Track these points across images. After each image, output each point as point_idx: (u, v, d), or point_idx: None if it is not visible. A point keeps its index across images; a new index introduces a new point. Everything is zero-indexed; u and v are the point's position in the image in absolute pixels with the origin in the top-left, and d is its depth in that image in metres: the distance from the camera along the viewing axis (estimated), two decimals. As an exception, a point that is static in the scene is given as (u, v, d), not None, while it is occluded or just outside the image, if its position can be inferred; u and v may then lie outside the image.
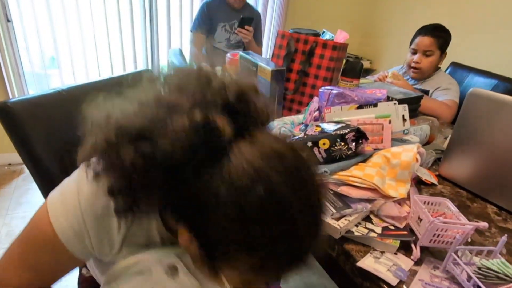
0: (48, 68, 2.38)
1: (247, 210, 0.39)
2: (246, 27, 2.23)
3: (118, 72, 2.56)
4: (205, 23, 2.31)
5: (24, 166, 2.38)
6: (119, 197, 0.45)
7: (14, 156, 2.40)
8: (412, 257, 0.68)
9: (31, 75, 2.33)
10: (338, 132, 0.83)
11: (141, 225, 0.55)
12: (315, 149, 0.83)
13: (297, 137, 0.87)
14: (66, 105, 0.76)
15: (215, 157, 0.41)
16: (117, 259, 0.55)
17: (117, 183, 0.44)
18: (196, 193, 0.41)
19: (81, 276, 0.88)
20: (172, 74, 0.50)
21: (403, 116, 0.95)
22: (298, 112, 1.28)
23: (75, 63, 2.35)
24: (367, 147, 0.89)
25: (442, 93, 1.72)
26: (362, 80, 1.43)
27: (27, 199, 2.10)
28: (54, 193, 0.53)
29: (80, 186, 0.51)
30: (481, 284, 0.55)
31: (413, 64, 1.78)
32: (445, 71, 2.08)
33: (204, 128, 0.41)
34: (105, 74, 2.52)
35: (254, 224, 0.40)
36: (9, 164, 2.42)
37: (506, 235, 0.63)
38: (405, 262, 0.67)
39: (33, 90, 2.41)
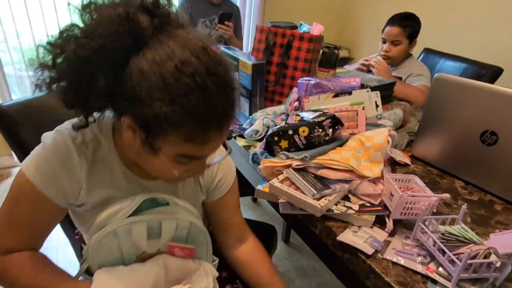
0: (29, 69, 2.37)
1: (166, 78, 0.51)
2: (226, 22, 2.27)
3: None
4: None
5: (11, 170, 2.38)
6: (76, 107, 0.57)
7: (0, 160, 2.41)
8: (386, 229, 0.75)
9: (13, 78, 2.31)
10: (316, 119, 0.89)
11: (102, 162, 0.66)
12: (296, 136, 0.89)
13: (279, 126, 0.93)
14: (57, 106, 0.79)
15: (139, 45, 0.53)
16: (89, 202, 0.66)
17: (69, 94, 0.55)
18: (127, 79, 0.52)
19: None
20: None
21: (375, 102, 1.02)
22: (279, 103, 1.33)
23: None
24: (344, 132, 0.96)
25: (415, 79, 1.80)
26: (338, 70, 1.50)
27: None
28: (26, 159, 0.63)
29: (44, 144, 0.63)
30: (444, 247, 0.63)
31: (382, 53, 1.86)
32: (418, 57, 2.17)
33: (126, 19, 0.51)
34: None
35: (175, 90, 0.51)
36: (-5, 169, 2.41)
37: (466, 204, 0.71)
38: (380, 234, 0.74)
39: (18, 93, 2.39)
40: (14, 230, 0.63)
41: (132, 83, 0.52)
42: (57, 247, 1.86)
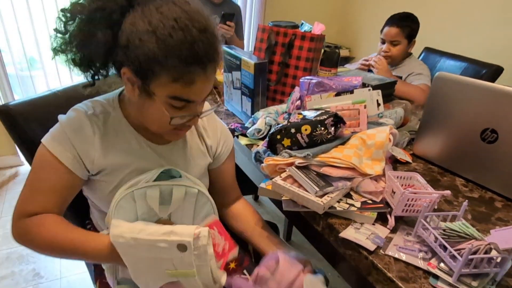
0: (31, 69, 2.38)
1: (153, 23, 0.60)
2: (227, 22, 2.27)
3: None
4: None
5: (14, 170, 2.40)
6: (82, 66, 0.68)
7: (4, 159, 2.43)
8: (388, 226, 0.76)
9: (15, 77, 2.32)
10: (318, 118, 0.90)
11: (114, 130, 0.75)
12: (298, 135, 0.90)
13: (281, 124, 0.94)
14: (62, 104, 0.80)
15: (131, 4, 0.63)
16: (106, 166, 0.74)
17: (77, 54, 0.66)
18: (122, 34, 0.62)
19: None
20: None
21: (377, 101, 1.03)
22: (281, 102, 1.34)
23: (58, 63, 2.35)
24: (346, 131, 0.97)
25: (415, 78, 1.81)
26: (340, 69, 1.51)
27: (19, 202, 2.12)
28: (46, 135, 0.73)
29: (60, 120, 0.73)
30: (445, 243, 0.64)
31: (382, 53, 1.87)
32: (419, 56, 2.18)
33: None
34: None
35: (160, 31, 0.60)
36: (-1, 168, 2.43)
37: (467, 200, 0.72)
38: (382, 231, 0.75)
39: (19, 93, 2.40)
40: (36, 195, 0.70)
41: (126, 35, 0.62)
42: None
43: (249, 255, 0.99)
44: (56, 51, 0.66)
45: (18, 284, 1.62)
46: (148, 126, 0.74)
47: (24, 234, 0.70)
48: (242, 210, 0.97)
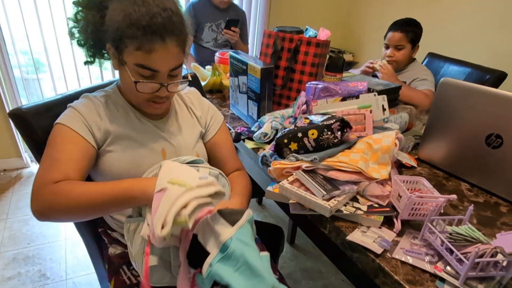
0: (38, 72, 2.40)
1: (125, 5, 0.75)
2: (232, 28, 2.30)
3: (108, 74, 2.60)
4: (192, 24, 2.37)
5: (20, 171, 2.42)
6: (84, 46, 0.87)
7: (10, 162, 2.45)
8: (394, 229, 0.77)
9: (20, 81, 2.35)
10: (325, 122, 0.91)
11: (115, 107, 0.88)
12: (305, 139, 0.91)
13: (288, 129, 0.96)
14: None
15: None
16: (112, 131, 0.85)
17: (80, 37, 0.86)
18: (107, 18, 0.79)
19: (108, 257, 0.95)
20: None
21: (382, 106, 1.04)
22: (287, 106, 1.36)
23: (65, 66, 2.38)
24: (352, 135, 0.98)
25: (420, 83, 1.82)
26: (345, 74, 1.52)
27: (26, 203, 2.14)
28: (57, 120, 0.82)
29: (69, 105, 0.85)
30: (451, 247, 0.65)
31: (386, 58, 1.89)
32: (423, 61, 2.19)
33: None
34: (94, 76, 2.55)
35: (126, 9, 0.74)
36: (5, 170, 2.44)
37: (472, 205, 0.73)
38: (389, 234, 0.76)
39: (24, 96, 2.42)
40: (57, 165, 0.74)
41: (108, 16, 0.78)
42: (65, 247, 1.88)
43: None
44: (70, 34, 0.86)
45: (24, 285, 1.63)
46: (131, 100, 0.88)
47: (52, 198, 0.69)
48: (234, 178, 1.00)
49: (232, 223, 0.71)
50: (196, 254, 0.71)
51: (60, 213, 0.69)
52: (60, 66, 2.35)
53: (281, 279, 0.93)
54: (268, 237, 1.21)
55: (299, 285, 1.75)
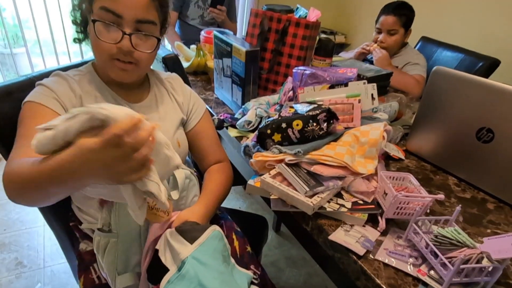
0: (13, 47, 2.27)
1: None
2: (218, 7, 2.18)
3: (89, 50, 2.47)
4: (177, 0, 2.25)
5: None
6: (75, 25, 0.84)
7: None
8: (378, 228, 0.74)
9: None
10: (311, 113, 0.86)
11: (91, 86, 0.82)
12: (289, 130, 0.86)
13: (271, 118, 0.90)
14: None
15: None
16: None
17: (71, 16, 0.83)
18: None
19: (79, 253, 0.90)
20: None
21: (372, 95, 0.99)
22: (273, 91, 1.30)
23: (42, 40, 2.25)
24: (339, 126, 0.93)
25: (411, 68, 1.78)
26: (335, 58, 1.46)
27: (1, 187, 2.05)
28: (27, 97, 0.75)
29: (38, 83, 0.78)
30: (436, 250, 0.62)
31: (378, 44, 1.82)
32: (415, 45, 2.14)
33: None
34: (74, 52, 2.42)
35: None
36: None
37: (460, 205, 0.70)
38: (372, 234, 0.73)
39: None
40: (24, 142, 0.68)
41: None
42: (44, 233, 1.83)
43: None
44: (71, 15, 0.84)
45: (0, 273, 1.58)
46: (99, 64, 0.83)
47: (8, 180, 0.60)
48: (212, 172, 0.97)
49: (191, 240, 0.68)
50: (157, 270, 0.68)
51: (20, 194, 0.60)
52: (35, 39, 2.21)
53: (263, 275, 0.90)
54: (252, 227, 1.18)
55: (283, 273, 1.74)
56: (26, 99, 0.75)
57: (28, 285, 1.53)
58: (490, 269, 0.60)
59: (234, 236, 0.95)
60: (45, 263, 1.65)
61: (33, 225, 1.86)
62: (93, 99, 0.82)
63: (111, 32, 0.75)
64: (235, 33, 2.41)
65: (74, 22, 0.84)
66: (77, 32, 0.86)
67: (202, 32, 1.72)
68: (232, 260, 0.75)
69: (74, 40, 0.87)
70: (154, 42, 0.80)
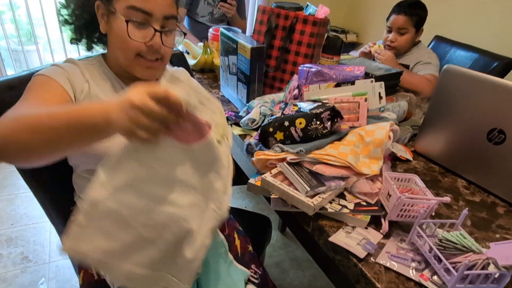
0: (25, 44, 2.31)
1: None
2: (228, 1, 2.17)
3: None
4: None
5: None
6: (72, 27, 0.83)
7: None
8: (381, 230, 0.72)
9: (6, 52, 2.25)
10: (314, 111, 0.84)
11: (100, 76, 0.82)
12: (292, 128, 0.84)
13: (274, 116, 0.89)
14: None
15: None
16: (91, 93, 0.79)
17: (70, 18, 0.82)
18: None
19: None
20: None
21: (379, 93, 0.97)
22: (280, 89, 1.28)
23: (52, 38, 2.28)
24: (343, 125, 0.91)
25: (423, 67, 1.73)
26: (343, 56, 1.43)
27: (11, 182, 2.10)
28: (39, 72, 0.75)
29: (56, 63, 0.79)
30: (440, 255, 0.59)
31: (387, 43, 1.78)
32: (429, 44, 2.09)
33: None
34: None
35: None
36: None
37: (467, 208, 0.67)
38: (375, 236, 0.71)
39: (11, 67, 2.34)
40: (23, 103, 0.67)
41: None
42: (50, 229, 1.84)
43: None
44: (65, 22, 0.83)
45: (5, 267, 1.59)
46: (120, 62, 0.80)
47: (11, 115, 0.56)
48: None
49: None
50: None
51: (5, 144, 0.52)
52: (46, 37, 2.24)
53: (263, 275, 0.88)
54: (255, 227, 1.17)
55: (288, 274, 1.72)
56: (39, 72, 0.75)
57: (33, 280, 1.55)
58: (496, 276, 0.58)
59: (235, 235, 0.94)
60: (51, 258, 1.67)
61: (40, 220, 1.88)
62: (103, 87, 0.81)
63: (141, 30, 0.75)
64: (244, 31, 2.40)
65: (66, 22, 0.83)
66: (72, 32, 0.84)
67: (210, 30, 1.72)
68: (230, 257, 0.74)
69: (71, 41, 0.86)
70: (174, 37, 0.83)
